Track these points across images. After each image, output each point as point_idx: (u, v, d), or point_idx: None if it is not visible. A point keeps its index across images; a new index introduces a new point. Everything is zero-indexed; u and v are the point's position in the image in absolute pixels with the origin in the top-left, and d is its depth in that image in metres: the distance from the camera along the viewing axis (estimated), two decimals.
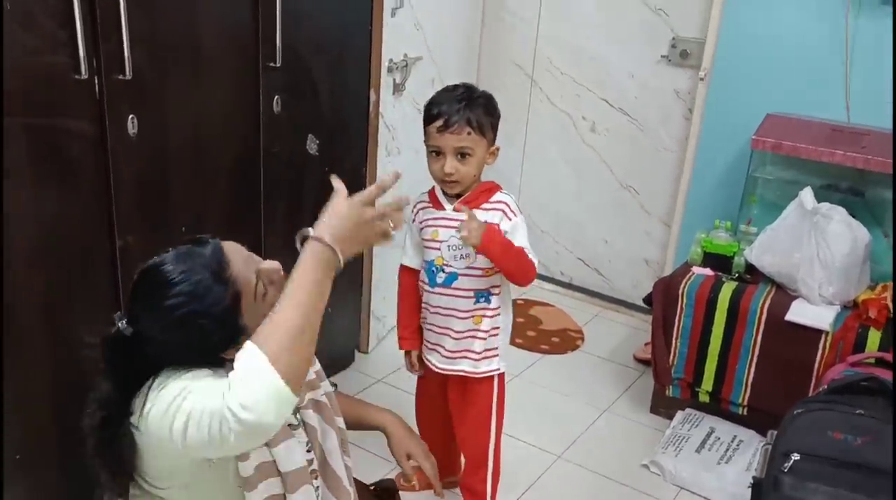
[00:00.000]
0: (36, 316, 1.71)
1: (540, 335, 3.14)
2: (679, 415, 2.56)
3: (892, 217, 2.42)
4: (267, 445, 1.28)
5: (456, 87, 1.81)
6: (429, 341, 1.94)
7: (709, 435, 2.45)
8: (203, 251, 1.22)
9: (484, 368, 1.89)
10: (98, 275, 1.80)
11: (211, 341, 1.21)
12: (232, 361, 1.10)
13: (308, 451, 1.39)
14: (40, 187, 1.63)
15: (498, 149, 1.84)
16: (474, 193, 1.82)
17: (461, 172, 1.77)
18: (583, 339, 3.14)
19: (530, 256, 1.80)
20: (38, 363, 1.75)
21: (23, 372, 1.72)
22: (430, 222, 1.86)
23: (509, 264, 1.78)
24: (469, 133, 1.75)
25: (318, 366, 1.47)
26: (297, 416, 1.41)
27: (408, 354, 2.01)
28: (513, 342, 3.02)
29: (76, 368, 1.83)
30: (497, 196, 1.83)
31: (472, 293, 1.84)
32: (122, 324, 1.20)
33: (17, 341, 1.69)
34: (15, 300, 1.66)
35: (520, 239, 1.80)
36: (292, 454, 1.33)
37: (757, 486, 1.86)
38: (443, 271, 1.84)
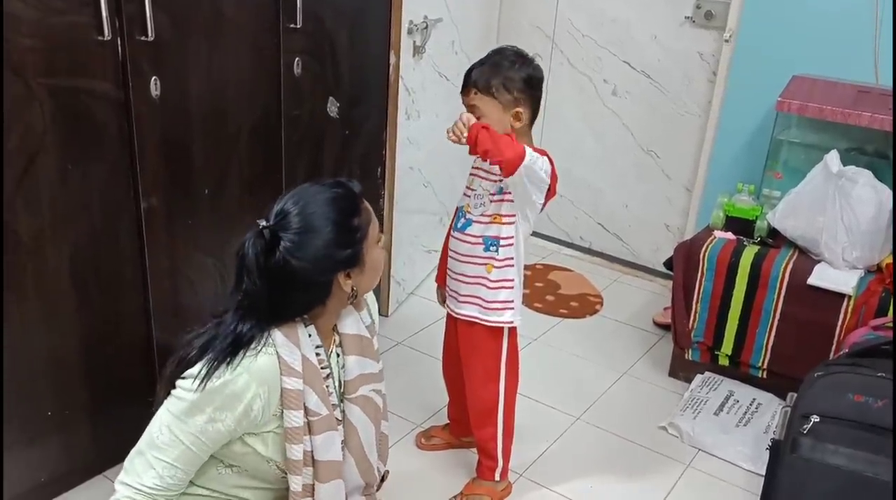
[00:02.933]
0: (64, 277, 1.74)
1: (559, 300, 3.14)
2: (698, 378, 2.57)
3: None
4: (310, 433, 1.35)
5: (498, 50, 1.81)
6: (450, 288, 1.98)
7: (727, 398, 2.46)
8: (346, 191, 1.37)
9: (493, 318, 1.90)
10: (123, 236, 1.83)
11: (334, 261, 1.32)
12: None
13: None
14: (64, 149, 1.65)
15: (519, 113, 1.79)
16: None
17: None
18: (602, 303, 3.15)
19: (529, 155, 1.70)
20: (66, 324, 1.78)
21: (50, 333, 1.76)
22: (473, 171, 1.91)
23: (498, 144, 1.70)
24: (475, 93, 1.77)
25: (382, 364, 1.54)
26: (341, 409, 1.46)
27: (439, 288, 2.09)
28: (531, 306, 3.04)
29: (103, 327, 1.87)
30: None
31: (480, 239, 1.86)
32: (262, 222, 1.29)
33: (46, 302, 1.73)
34: (43, 262, 1.69)
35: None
36: (333, 445, 1.40)
37: (775, 447, 1.86)
38: (464, 216, 1.89)
